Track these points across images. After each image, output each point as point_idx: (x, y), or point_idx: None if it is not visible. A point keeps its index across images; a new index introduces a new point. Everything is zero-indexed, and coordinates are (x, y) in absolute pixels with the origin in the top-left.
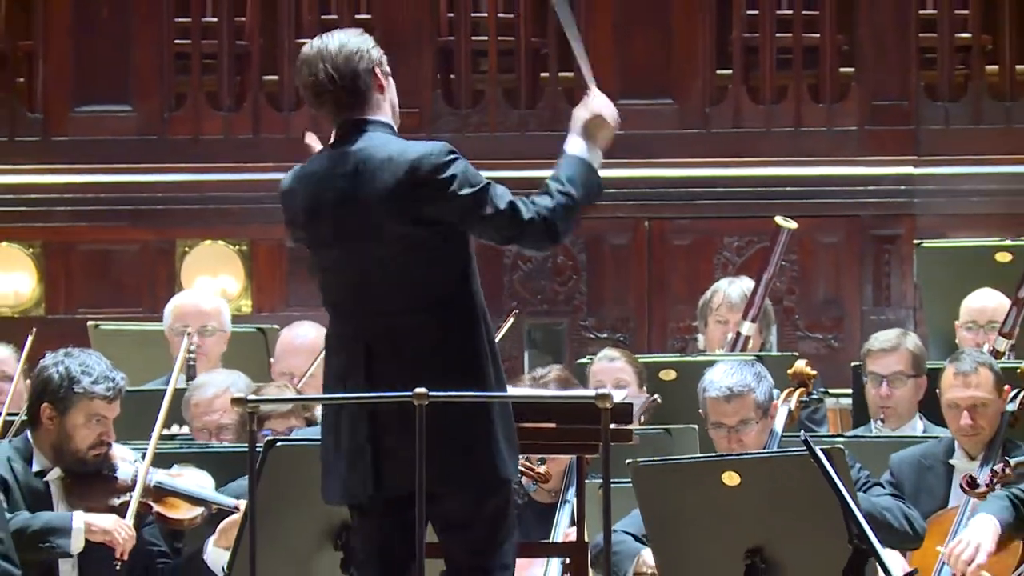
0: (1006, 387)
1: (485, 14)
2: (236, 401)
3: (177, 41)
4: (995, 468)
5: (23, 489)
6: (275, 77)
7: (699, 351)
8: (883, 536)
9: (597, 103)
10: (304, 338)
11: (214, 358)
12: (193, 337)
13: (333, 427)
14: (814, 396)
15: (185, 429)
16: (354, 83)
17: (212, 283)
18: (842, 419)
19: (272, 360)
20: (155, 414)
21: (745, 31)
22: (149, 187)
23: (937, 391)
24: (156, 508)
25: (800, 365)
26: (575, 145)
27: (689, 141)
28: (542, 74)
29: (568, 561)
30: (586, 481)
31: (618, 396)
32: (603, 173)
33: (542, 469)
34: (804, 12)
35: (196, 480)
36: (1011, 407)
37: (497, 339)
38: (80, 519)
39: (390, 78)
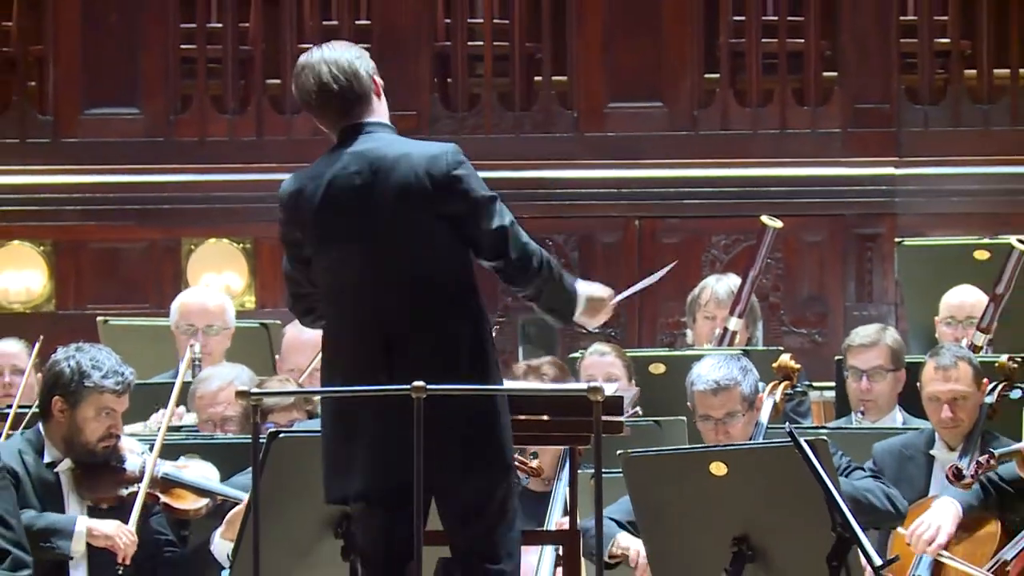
0: (984, 380)
1: (481, 20)
2: (240, 394)
3: (183, 46)
4: (980, 460)
5: (34, 481)
6: (278, 81)
7: (687, 346)
8: (867, 517)
9: (611, 301)
10: (309, 335)
11: (218, 354)
12: (195, 348)
13: (347, 420)
14: (798, 389)
15: (189, 417)
16: (359, 85)
17: (217, 280)
18: (825, 411)
19: (278, 358)
20: (161, 406)
21: (732, 37)
22: (156, 187)
23: (918, 384)
24: (163, 499)
25: (785, 359)
26: (580, 286)
27: (678, 143)
28: (536, 78)
29: (561, 549)
30: (578, 471)
31: (609, 389)
32: (596, 174)
33: (534, 464)
34: (789, 18)
35: (202, 472)
36: (989, 400)
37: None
38: (83, 523)
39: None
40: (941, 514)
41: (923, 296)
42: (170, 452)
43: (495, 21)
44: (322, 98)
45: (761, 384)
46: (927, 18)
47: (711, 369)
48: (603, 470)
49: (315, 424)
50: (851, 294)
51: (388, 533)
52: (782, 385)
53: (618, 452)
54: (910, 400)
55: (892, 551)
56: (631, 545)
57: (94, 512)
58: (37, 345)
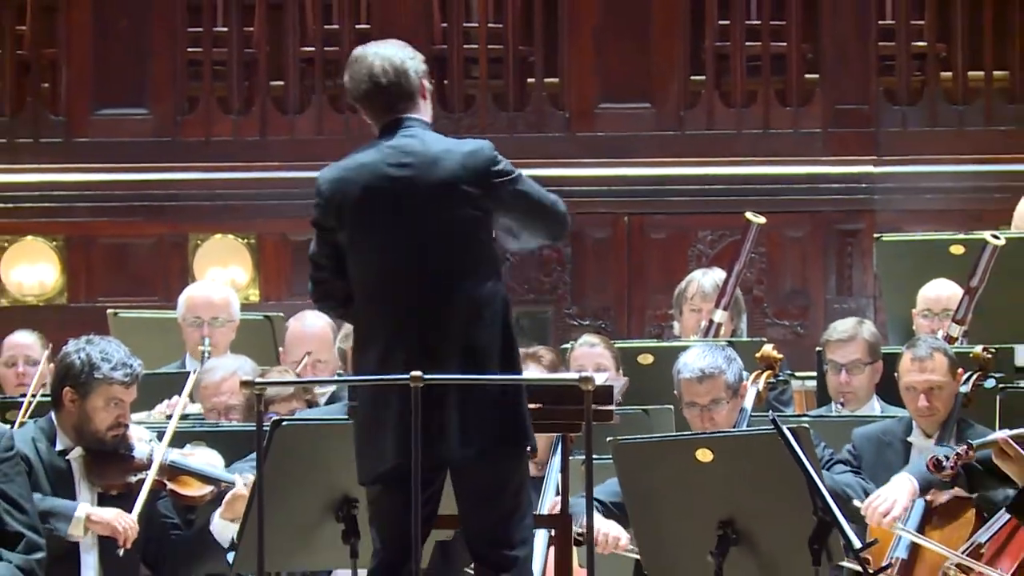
0: (959, 370)
1: (476, 24)
2: (244, 384)
3: (190, 49)
4: (959, 451)
5: (46, 467)
6: (281, 83)
7: (675, 337)
8: (847, 511)
9: None
10: (312, 327)
11: (223, 346)
12: (205, 353)
13: (380, 407)
14: (780, 378)
15: (193, 406)
16: (407, 83)
17: (222, 274)
18: (807, 400)
19: (281, 349)
20: (168, 395)
21: (717, 40)
22: (163, 185)
23: (895, 374)
24: (170, 485)
25: (767, 349)
26: None
27: (666, 142)
28: (529, 80)
29: (554, 532)
30: (570, 458)
31: (599, 379)
32: (587, 172)
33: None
34: (772, 22)
35: (207, 459)
36: (964, 389)
37: None
38: (83, 509)
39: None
40: (897, 488)
41: (901, 289)
42: (176, 440)
43: (490, 25)
44: (370, 90)
45: (745, 373)
46: (904, 22)
47: (697, 358)
48: (594, 456)
49: (315, 413)
50: (832, 287)
51: (402, 513)
52: (765, 374)
53: (608, 439)
54: (888, 389)
55: (871, 535)
56: (600, 527)
57: (104, 498)
58: (47, 353)
